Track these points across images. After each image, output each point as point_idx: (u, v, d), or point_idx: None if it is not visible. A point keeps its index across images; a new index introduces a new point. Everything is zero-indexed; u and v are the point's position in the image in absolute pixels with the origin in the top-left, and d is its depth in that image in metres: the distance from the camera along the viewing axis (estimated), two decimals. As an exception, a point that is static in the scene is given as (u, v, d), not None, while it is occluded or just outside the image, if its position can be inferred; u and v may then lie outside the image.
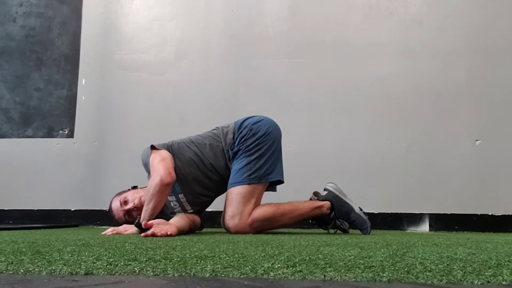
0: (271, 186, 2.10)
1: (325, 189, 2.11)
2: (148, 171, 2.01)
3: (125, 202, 2.04)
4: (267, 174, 2.01)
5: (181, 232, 1.78)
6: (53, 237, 1.52)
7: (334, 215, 2.03)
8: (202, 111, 3.05)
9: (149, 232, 1.61)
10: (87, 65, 3.23)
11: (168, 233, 1.62)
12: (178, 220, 1.85)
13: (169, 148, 2.05)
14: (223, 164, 2.06)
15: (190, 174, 2.04)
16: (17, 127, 3.23)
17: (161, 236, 1.59)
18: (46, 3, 3.34)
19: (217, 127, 2.16)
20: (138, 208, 1.98)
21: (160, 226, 1.66)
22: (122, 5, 3.28)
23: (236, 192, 1.99)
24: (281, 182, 2.09)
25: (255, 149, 2.02)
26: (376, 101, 2.96)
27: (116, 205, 2.07)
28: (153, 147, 2.01)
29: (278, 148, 2.09)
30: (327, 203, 2.04)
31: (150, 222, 1.71)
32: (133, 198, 2.04)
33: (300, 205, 2.06)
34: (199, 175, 2.05)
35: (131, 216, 2.04)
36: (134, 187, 2.14)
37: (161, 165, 1.90)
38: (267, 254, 0.98)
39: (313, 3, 3.12)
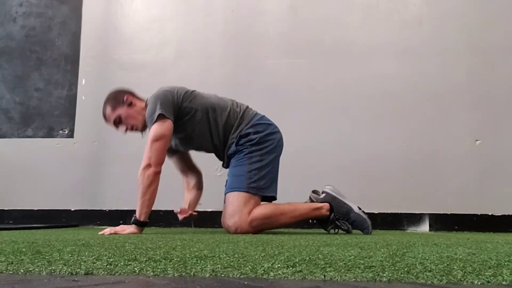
0: (264, 199, 2.11)
1: (323, 192, 2.13)
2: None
3: (119, 121, 2.10)
4: (264, 188, 2.04)
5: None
6: (53, 237, 1.52)
7: (334, 216, 2.05)
8: (202, 111, 3.05)
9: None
10: (87, 65, 3.23)
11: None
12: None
13: (182, 100, 2.08)
14: (226, 136, 2.12)
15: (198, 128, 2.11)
16: (17, 127, 3.23)
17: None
18: (46, 3, 3.34)
19: (233, 102, 2.21)
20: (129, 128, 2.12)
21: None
22: (122, 5, 3.28)
23: (236, 194, 2.02)
24: (274, 198, 2.12)
25: (258, 159, 2.05)
26: (376, 101, 2.96)
27: (109, 115, 2.11)
28: (160, 116, 1.98)
29: (277, 164, 2.13)
30: (326, 205, 2.07)
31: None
32: (126, 123, 2.11)
33: (300, 206, 2.08)
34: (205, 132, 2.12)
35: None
36: (129, 96, 2.14)
37: (155, 152, 1.95)
38: (267, 254, 0.98)
39: (313, 3, 3.12)
